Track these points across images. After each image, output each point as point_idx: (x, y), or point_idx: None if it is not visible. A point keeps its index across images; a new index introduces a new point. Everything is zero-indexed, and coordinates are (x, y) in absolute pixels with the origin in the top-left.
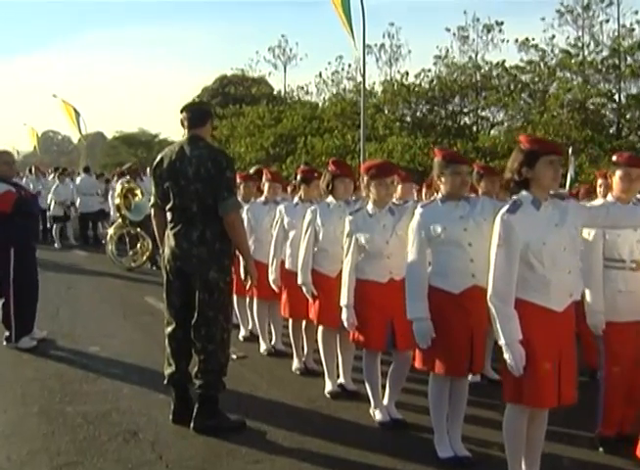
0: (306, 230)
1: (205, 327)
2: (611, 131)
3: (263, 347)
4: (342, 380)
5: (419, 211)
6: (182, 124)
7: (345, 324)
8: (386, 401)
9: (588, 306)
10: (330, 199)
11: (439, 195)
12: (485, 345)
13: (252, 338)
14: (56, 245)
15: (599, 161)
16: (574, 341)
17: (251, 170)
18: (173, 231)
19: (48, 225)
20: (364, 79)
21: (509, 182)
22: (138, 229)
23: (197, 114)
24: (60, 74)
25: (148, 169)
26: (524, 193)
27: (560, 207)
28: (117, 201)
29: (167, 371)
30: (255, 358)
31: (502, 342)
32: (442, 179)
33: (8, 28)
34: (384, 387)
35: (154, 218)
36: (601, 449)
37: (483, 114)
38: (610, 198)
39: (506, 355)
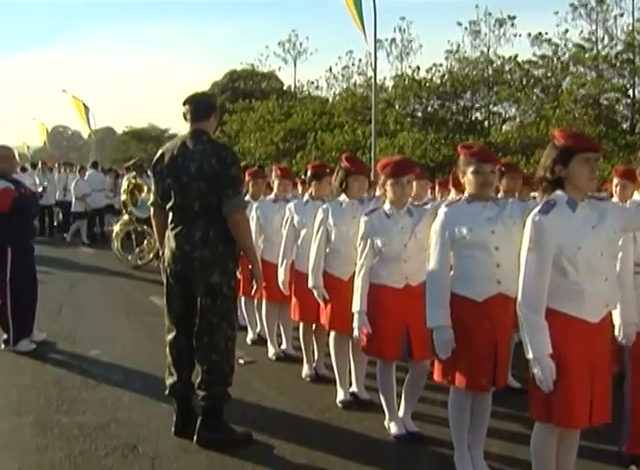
0: (318, 230)
1: (207, 335)
2: (625, 127)
3: (272, 351)
4: (354, 388)
5: (443, 210)
6: (185, 118)
7: (356, 332)
8: (401, 413)
9: (619, 316)
10: (343, 197)
11: (465, 195)
12: (509, 355)
13: (261, 341)
14: (65, 235)
15: (613, 156)
16: (610, 355)
17: None
18: (174, 232)
19: (55, 222)
20: (375, 74)
21: (541, 181)
22: (145, 226)
23: (201, 107)
24: (69, 69)
25: None
26: (558, 192)
27: (598, 208)
28: (124, 197)
29: (169, 381)
30: (264, 364)
31: (530, 355)
32: (465, 178)
33: (17, 24)
34: (399, 395)
35: (153, 218)
36: (633, 467)
37: (495, 109)
38: (637, 197)
39: (534, 370)
